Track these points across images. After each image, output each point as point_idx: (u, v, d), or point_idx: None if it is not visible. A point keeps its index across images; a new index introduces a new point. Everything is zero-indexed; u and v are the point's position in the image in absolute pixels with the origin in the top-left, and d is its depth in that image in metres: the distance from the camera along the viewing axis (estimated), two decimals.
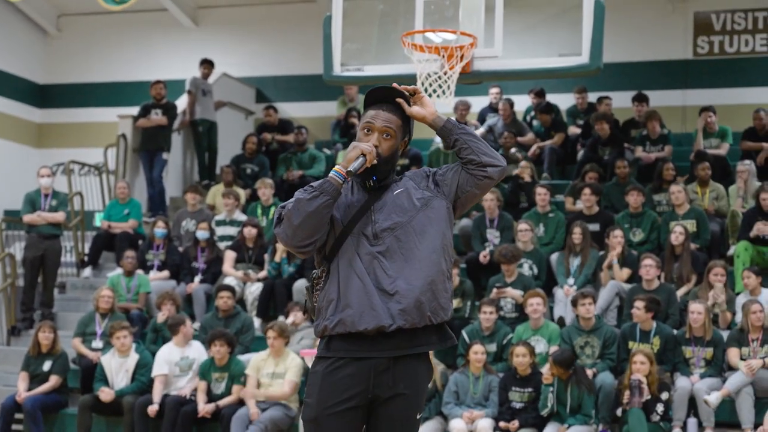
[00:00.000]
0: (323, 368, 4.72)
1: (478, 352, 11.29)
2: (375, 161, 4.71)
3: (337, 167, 4.67)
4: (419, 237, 4.72)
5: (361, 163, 4.67)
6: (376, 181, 4.82)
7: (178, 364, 12.23)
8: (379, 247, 4.71)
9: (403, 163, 15.80)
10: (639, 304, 11.22)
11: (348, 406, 4.67)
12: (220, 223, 14.77)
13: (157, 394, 11.98)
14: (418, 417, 4.75)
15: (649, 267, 11.97)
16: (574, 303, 11.57)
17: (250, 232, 13.91)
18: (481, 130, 16.43)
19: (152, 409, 11.85)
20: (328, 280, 4.78)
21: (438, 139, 16.05)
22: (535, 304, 11.71)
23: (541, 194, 13.69)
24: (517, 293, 12.34)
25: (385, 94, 4.84)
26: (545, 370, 11.18)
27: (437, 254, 4.75)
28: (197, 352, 12.28)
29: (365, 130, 4.81)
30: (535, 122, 16.78)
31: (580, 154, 15.82)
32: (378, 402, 4.71)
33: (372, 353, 4.67)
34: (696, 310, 11.19)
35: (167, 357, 12.23)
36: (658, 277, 12.13)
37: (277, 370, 11.74)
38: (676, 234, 12.49)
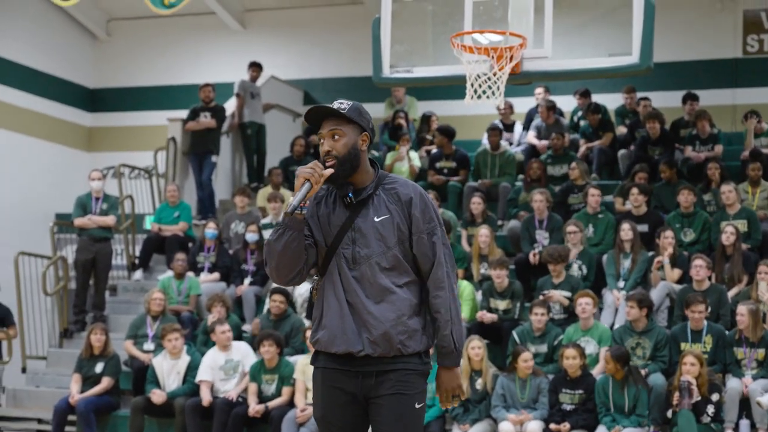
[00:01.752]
0: (319, 374, 4.99)
1: (527, 360, 11.24)
2: (322, 178, 4.76)
3: (289, 201, 4.76)
4: (392, 271, 4.87)
5: (308, 188, 4.72)
6: (352, 197, 4.90)
7: (223, 368, 12.28)
8: (355, 272, 4.85)
9: (450, 166, 15.80)
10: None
11: (348, 400, 4.92)
12: (266, 227, 14.83)
13: (204, 398, 12.05)
14: (417, 406, 4.89)
15: (699, 268, 11.89)
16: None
17: None
18: (531, 134, 16.41)
19: (206, 400, 11.93)
20: (320, 295, 4.97)
21: (485, 141, 16.02)
22: (584, 304, 11.67)
23: (594, 195, 13.63)
24: (563, 297, 12.31)
25: (324, 112, 4.94)
26: (598, 367, 11.19)
27: (411, 289, 4.91)
28: (242, 354, 12.32)
29: (320, 142, 4.93)
30: (582, 122, 16.71)
31: (620, 153, 15.73)
32: (373, 399, 4.91)
33: (350, 367, 4.91)
34: (740, 312, 11.12)
35: (211, 362, 12.30)
36: (709, 278, 12.05)
37: None
38: (727, 234, 12.40)
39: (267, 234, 14.68)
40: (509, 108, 16.91)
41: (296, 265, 4.84)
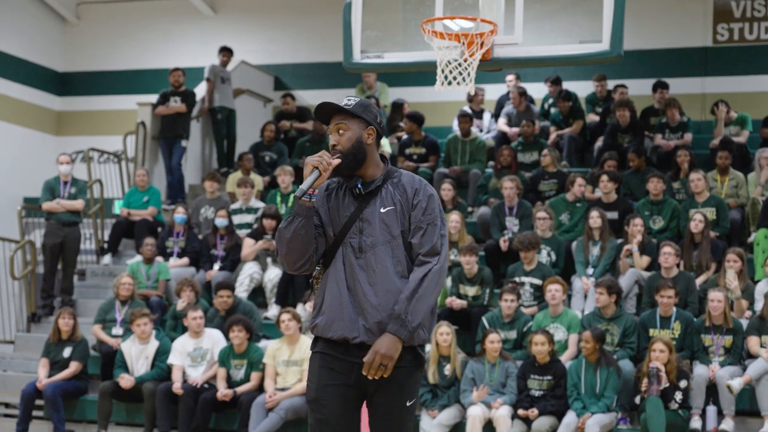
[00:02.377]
0: (316, 358, 5.09)
1: (494, 341, 11.30)
2: (330, 167, 4.94)
3: (299, 188, 4.90)
4: (396, 260, 5.00)
5: (317, 175, 4.91)
6: (361, 188, 5.07)
7: (191, 354, 12.27)
8: (361, 260, 4.99)
9: (419, 152, 15.79)
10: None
11: (343, 383, 5.01)
12: (236, 212, 14.79)
13: (176, 383, 12.05)
14: (408, 404, 5.00)
15: (668, 255, 11.95)
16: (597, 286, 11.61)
17: (270, 224, 13.92)
18: (501, 120, 16.42)
19: (176, 387, 11.92)
20: (322, 283, 5.11)
21: (455, 127, 16.02)
22: (553, 291, 11.71)
23: (581, 185, 13.66)
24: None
25: (330, 108, 5.12)
26: (567, 353, 11.28)
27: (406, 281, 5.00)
28: (212, 341, 12.30)
29: (329, 137, 5.13)
30: (553, 110, 16.75)
31: (597, 145, 15.79)
32: (367, 390, 5.03)
33: (345, 356, 5.01)
34: (716, 298, 11.17)
35: (180, 348, 12.30)
36: (677, 265, 12.11)
37: (292, 358, 11.77)
38: (696, 222, 12.46)
39: (236, 219, 14.66)
40: (481, 94, 16.93)
41: (305, 252, 5.00)
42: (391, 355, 4.85)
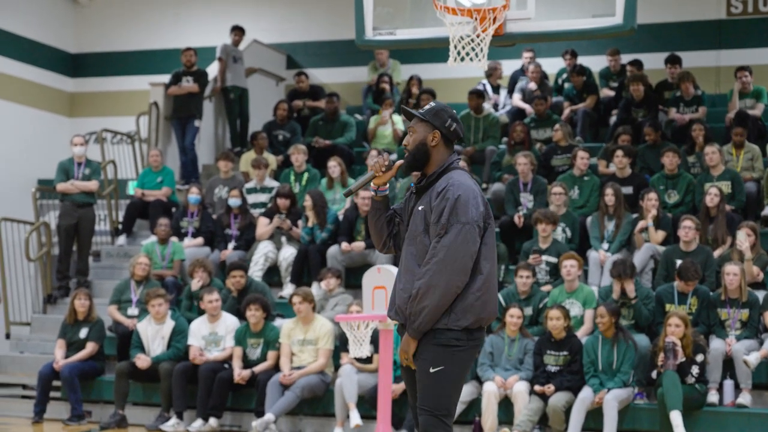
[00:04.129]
0: None
1: (514, 315, 11.30)
2: (383, 168, 5.73)
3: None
4: (418, 255, 5.60)
5: (370, 175, 5.77)
6: (413, 186, 5.79)
7: (206, 338, 12.30)
8: (404, 250, 5.72)
9: None
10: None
11: None
12: (250, 191, 14.79)
13: (195, 358, 12.13)
14: (431, 370, 5.55)
15: (688, 229, 11.90)
16: (614, 277, 11.48)
17: (284, 203, 13.92)
18: (516, 96, 16.37)
19: (197, 359, 12.03)
20: None
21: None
22: (569, 267, 11.69)
23: (583, 158, 13.61)
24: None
25: (406, 114, 5.84)
26: (583, 329, 11.25)
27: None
28: (227, 327, 12.33)
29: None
30: (567, 85, 16.68)
31: (614, 118, 15.74)
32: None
33: (400, 332, 5.82)
34: (731, 271, 11.13)
35: (196, 330, 12.34)
36: (696, 239, 12.06)
37: (307, 337, 11.78)
38: (711, 196, 12.40)
39: (251, 198, 14.66)
40: (500, 69, 16.89)
41: (380, 237, 5.87)
42: (405, 350, 5.61)
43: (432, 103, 5.79)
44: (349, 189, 5.87)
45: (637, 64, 16.36)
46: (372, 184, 5.79)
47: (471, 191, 5.58)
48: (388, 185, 5.85)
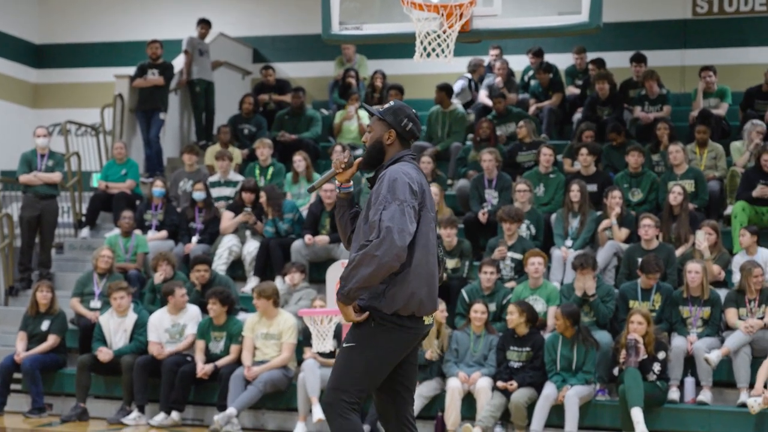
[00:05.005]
0: None
1: (478, 311, 11.33)
2: (343, 165, 5.94)
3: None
4: (359, 238, 5.76)
5: (330, 172, 6.01)
6: (368, 179, 5.99)
7: (168, 330, 12.26)
8: (356, 232, 5.88)
9: None
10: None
11: None
12: (214, 185, 14.74)
13: (156, 353, 12.10)
14: (344, 345, 5.72)
15: (648, 227, 11.97)
16: (575, 268, 11.55)
17: (249, 197, 13.90)
18: (482, 93, 16.39)
19: (158, 354, 12.00)
20: None
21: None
22: (536, 264, 11.72)
23: (546, 155, 13.65)
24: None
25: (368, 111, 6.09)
26: (550, 322, 11.31)
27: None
28: (190, 317, 12.29)
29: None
30: (533, 82, 16.73)
31: (576, 117, 15.80)
32: None
33: None
34: (693, 269, 11.20)
35: (158, 323, 12.28)
36: (657, 237, 12.13)
37: (270, 331, 11.77)
38: (675, 194, 12.47)
39: (215, 192, 14.62)
40: (483, 65, 16.92)
41: (345, 233, 6.03)
42: (337, 310, 5.79)
43: (392, 102, 5.99)
44: (312, 185, 6.10)
45: (599, 62, 16.40)
46: (336, 181, 5.97)
47: (407, 176, 5.70)
48: (351, 182, 6.01)
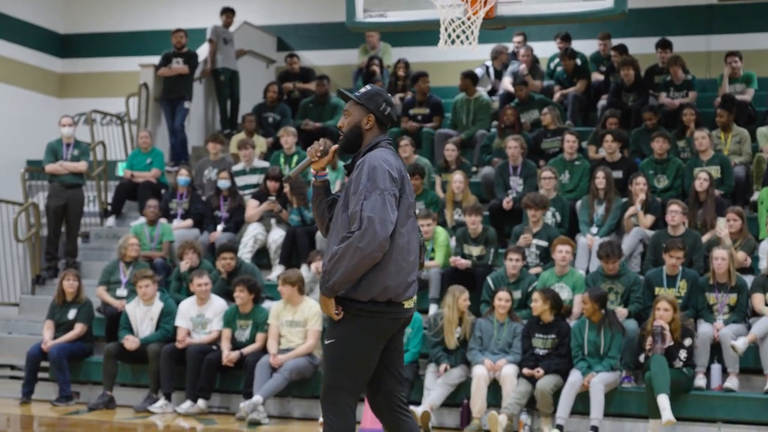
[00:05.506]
0: None
1: (502, 299, 11.31)
2: (318, 153, 5.86)
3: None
4: (342, 229, 5.68)
5: (308, 160, 5.91)
6: (345, 166, 5.95)
7: (194, 320, 12.30)
8: (334, 220, 5.86)
9: (423, 112, 15.77)
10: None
11: None
12: (238, 173, 14.77)
13: (181, 340, 12.14)
14: (326, 342, 5.76)
15: (674, 213, 11.92)
16: (600, 258, 11.52)
17: (273, 185, 13.92)
18: (506, 80, 16.33)
19: (182, 342, 12.05)
20: None
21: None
22: (564, 252, 11.70)
23: (570, 141, 13.61)
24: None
25: (342, 96, 5.99)
26: (576, 309, 11.28)
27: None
28: (215, 310, 12.32)
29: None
30: (558, 69, 16.67)
31: (603, 102, 15.73)
32: None
33: None
34: (719, 256, 11.15)
35: (185, 311, 12.33)
36: (683, 224, 12.08)
37: (294, 318, 11.78)
38: (701, 180, 12.43)
39: (240, 180, 14.64)
40: (506, 52, 16.85)
41: (322, 221, 5.96)
42: (324, 310, 5.70)
43: (368, 87, 5.96)
44: (288, 175, 6.05)
45: (621, 48, 16.32)
46: (312, 169, 5.92)
47: (386, 162, 5.67)
48: (327, 170, 5.98)
